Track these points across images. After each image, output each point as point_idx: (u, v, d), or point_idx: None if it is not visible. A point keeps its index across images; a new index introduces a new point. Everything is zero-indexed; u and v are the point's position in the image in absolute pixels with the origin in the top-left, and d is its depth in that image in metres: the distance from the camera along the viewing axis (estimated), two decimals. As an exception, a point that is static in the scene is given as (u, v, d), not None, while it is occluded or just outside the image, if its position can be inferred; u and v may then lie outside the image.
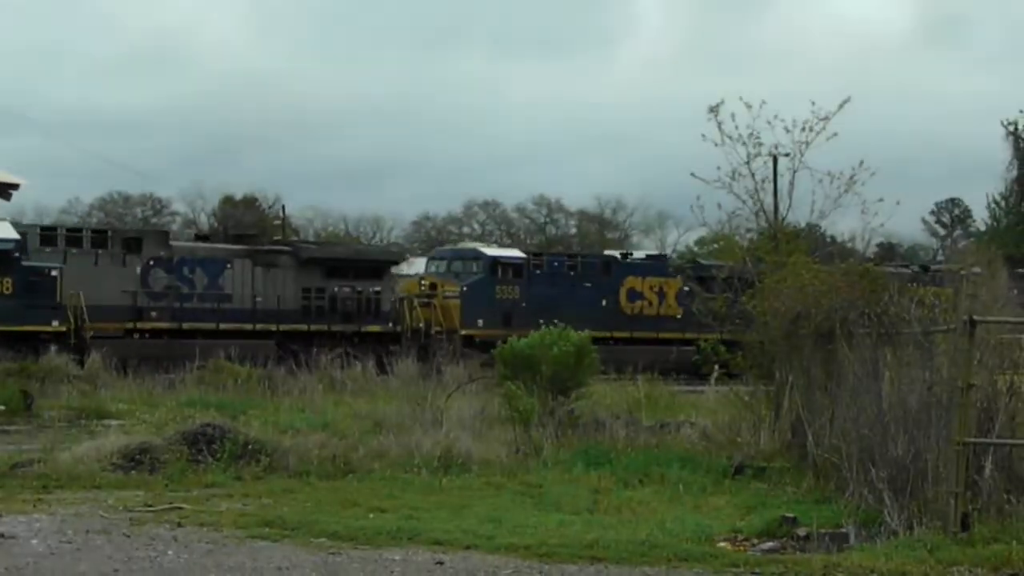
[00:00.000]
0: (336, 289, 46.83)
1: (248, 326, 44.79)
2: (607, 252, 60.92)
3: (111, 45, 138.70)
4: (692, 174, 23.54)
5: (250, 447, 19.44)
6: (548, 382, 23.09)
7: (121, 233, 45.96)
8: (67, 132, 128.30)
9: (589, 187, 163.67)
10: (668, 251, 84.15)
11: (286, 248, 48.28)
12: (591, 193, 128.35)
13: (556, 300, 48.78)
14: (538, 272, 51.60)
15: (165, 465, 18.75)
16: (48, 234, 43.26)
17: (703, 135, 23.24)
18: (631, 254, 59.30)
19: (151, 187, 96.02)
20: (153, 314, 43.42)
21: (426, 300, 49.02)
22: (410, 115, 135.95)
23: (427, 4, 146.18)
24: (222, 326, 44.20)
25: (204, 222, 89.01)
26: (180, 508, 15.98)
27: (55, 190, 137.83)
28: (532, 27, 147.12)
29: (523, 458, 20.31)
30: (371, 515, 15.60)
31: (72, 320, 40.56)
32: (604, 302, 52.13)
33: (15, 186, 33.02)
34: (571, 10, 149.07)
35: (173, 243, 46.18)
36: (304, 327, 45.84)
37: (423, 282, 50.54)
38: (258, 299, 45.43)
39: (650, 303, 53.18)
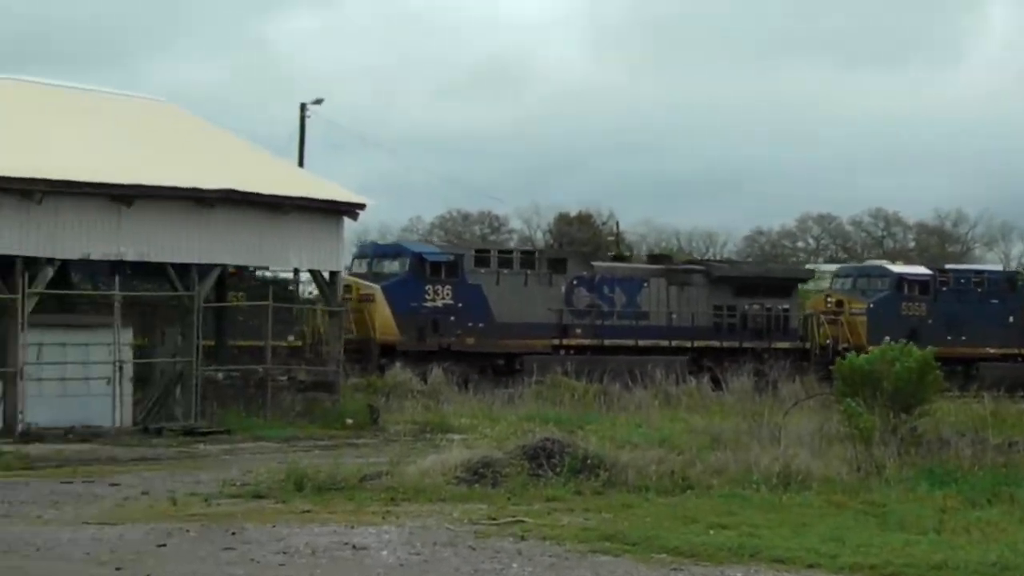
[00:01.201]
0: (746, 307, 48.15)
1: (664, 342, 46.11)
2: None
3: (453, 67, 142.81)
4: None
5: (589, 462, 19.64)
6: (889, 399, 22.59)
7: (547, 254, 48.48)
8: (410, 152, 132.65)
9: (927, 200, 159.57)
10: (1012, 264, 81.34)
11: (699, 267, 49.70)
12: (930, 206, 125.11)
13: (962, 317, 49.15)
14: (944, 289, 51.50)
15: (506, 479, 19.10)
16: (482, 255, 44.90)
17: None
18: None
19: (489, 204, 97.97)
20: (577, 331, 44.93)
21: (832, 317, 49.76)
22: (742, 127, 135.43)
23: (761, 15, 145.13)
24: (640, 342, 45.60)
25: (540, 239, 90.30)
26: (522, 521, 16.27)
27: (397, 209, 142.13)
28: (872, 37, 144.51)
29: (864, 476, 19.93)
30: (711, 531, 15.55)
31: (309, 336, 41.22)
32: (1011, 318, 51.38)
33: (362, 206, 34.26)
34: (915, 19, 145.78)
35: (594, 263, 47.68)
36: (717, 343, 47.16)
37: (829, 299, 51.22)
38: (673, 316, 46.77)
39: None
